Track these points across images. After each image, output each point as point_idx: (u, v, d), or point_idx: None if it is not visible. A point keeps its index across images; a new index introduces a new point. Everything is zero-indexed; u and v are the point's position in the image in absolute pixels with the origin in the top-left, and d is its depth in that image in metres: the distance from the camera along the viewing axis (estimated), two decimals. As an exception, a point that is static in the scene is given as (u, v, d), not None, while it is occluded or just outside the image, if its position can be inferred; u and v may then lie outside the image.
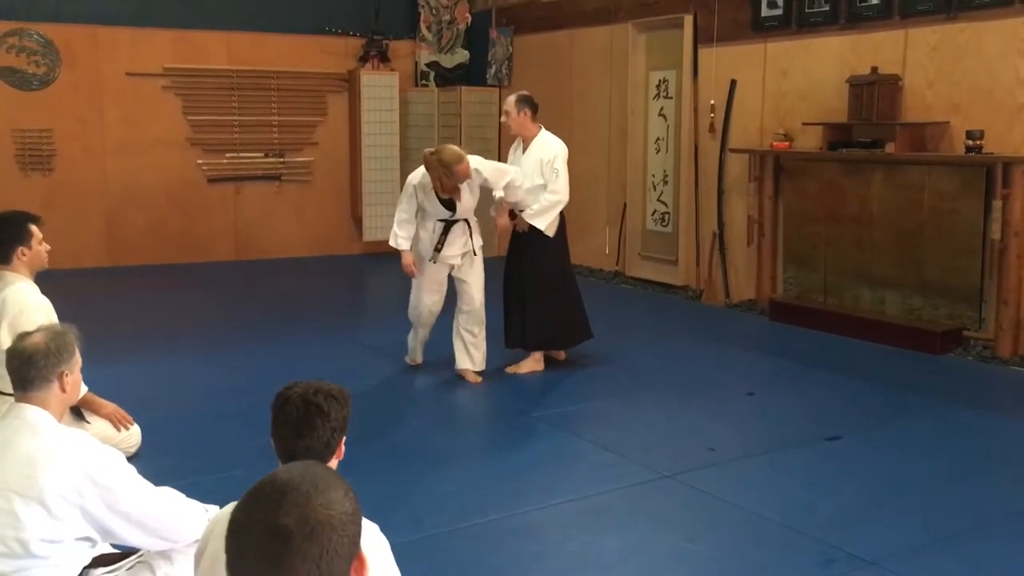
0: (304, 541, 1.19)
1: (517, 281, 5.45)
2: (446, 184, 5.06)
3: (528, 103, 5.39)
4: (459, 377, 5.36)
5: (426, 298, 5.35)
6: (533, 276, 5.39)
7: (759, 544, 3.32)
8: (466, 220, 5.27)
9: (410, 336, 5.59)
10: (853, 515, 3.52)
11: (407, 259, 5.25)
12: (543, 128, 5.43)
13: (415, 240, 5.28)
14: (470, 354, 5.34)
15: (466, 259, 5.31)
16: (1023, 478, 3.96)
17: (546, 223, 5.29)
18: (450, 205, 5.18)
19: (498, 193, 5.25)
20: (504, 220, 5.38)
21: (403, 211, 5.24)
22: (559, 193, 5.28)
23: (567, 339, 5.59)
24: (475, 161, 5.14)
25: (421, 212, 5.25)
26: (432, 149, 5.18)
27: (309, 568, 1.19)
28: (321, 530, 1.20)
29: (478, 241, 5.33)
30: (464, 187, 5.13)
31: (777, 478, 3.93)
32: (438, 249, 5.21)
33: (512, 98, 5.43)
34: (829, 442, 4.33)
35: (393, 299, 8.52)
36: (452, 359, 5.38)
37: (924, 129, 6.06)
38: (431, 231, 5.23)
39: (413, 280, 5.39)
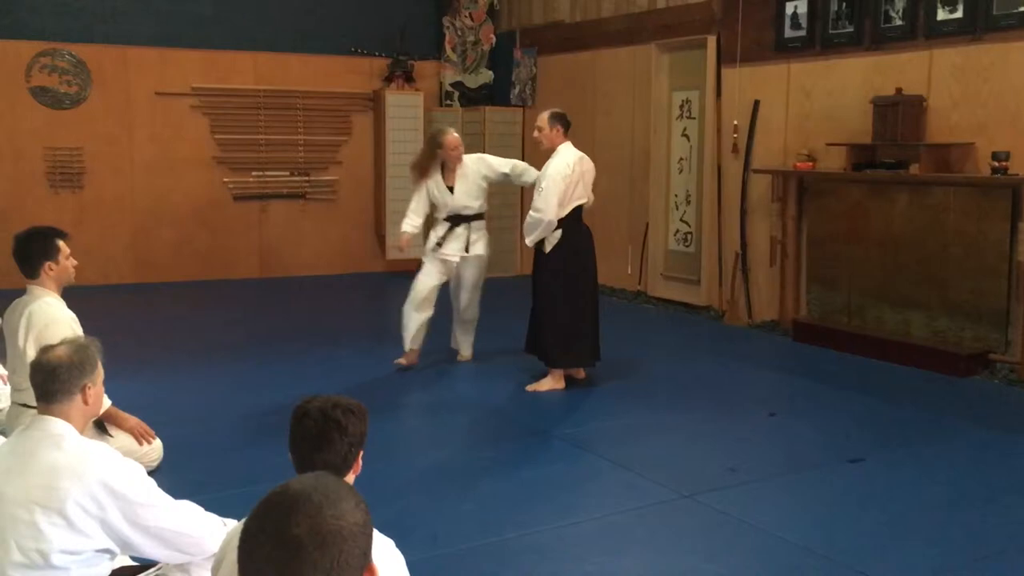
0: (315, 551, 1.19)
1: (533, 294, 5.61)
2: (435, 160, 5.81)
3: (560, 120, 5.45)
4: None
5: (424, 279, 5.86)
6: (538, 292, 5.51)
7: (779, 567, 3.29)
8: (469, 224, 5.81)
9: (404, 330, 5.88)
10: (875, 538, 3.48)
11: (404, 238, 5.95)
12: (564, 144, 5.44)
13: (427, 240, 5.96)
14: (464, 341, 6.11)
15: (464, 261, 5.85)
16: (1049, 503, 3.90)
17: (530, 239, 5.39)
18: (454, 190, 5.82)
19: (504, 170, 5.86)
20: None
21: (413, 202, 5.97)
22: (540, 212, 5.29)
23: (565, 360, 5.51)
24: (486, 156, 5.98)
25: (435, 212, 5.90)
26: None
27: (320, 578, 1.19)
28: (332, 541, 1.20)
29: (476, 247, 5.86)
30: (463, 175, 5.79)
31: (799, 500, 3.89)
32: (439, 244, 5.83)
33: (546, 114, 5.49)
34: (852, 464, 4.29)
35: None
36: (470, 378, 5.52)
37: (949, 150, 6.02)
38: (439, 231, 5.86)
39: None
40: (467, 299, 5.93)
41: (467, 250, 5.85)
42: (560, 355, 5.47)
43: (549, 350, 5.45)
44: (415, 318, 5.83)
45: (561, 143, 5.42)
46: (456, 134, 5.84)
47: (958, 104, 6.02)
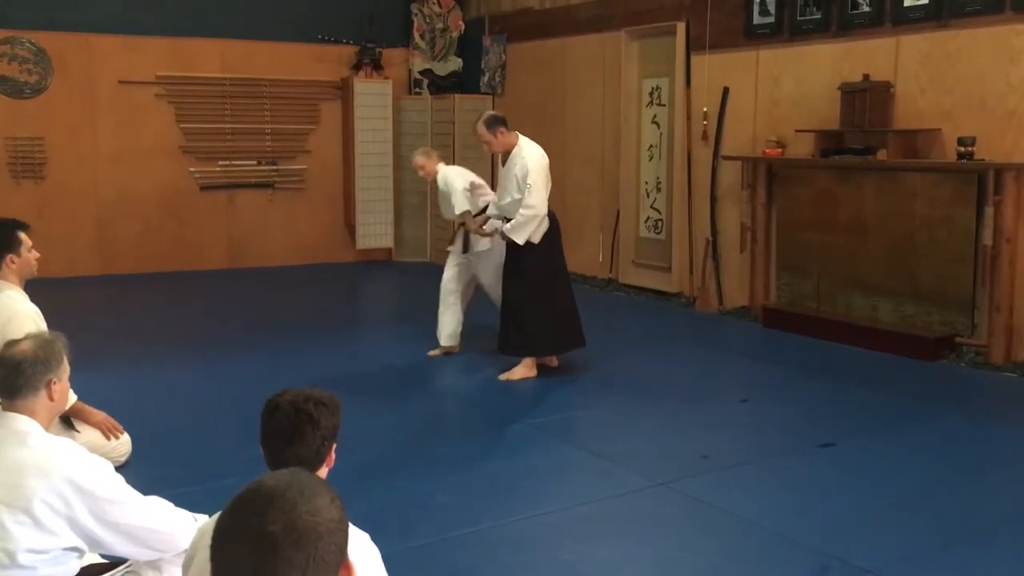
0: (290, 549, 1.18)
1: (506, 288, 5.51)
2: None
3: (498, 122, 5.39)
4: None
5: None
6: (520, 283, 5.42)
7: (753, 552, 3.31)
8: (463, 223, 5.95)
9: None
10: (848, 522, 3.51)
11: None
12: (520, 137, 5.41)
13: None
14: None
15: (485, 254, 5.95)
16: (1018, 484, 3.96)
17: (523, 237, 5.30)
18: None
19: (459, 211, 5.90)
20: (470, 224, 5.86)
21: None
22: (534, 208, 5.26)
23: (553, 346, 5.53)
24: (451, 174, 5.96)
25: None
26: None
27: (296, 576, 1.17)
28: (308, 537, 1.19)
29: (482, 240, 5.86)
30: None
31: (771, 485, 3.91)
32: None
33: (482, 126, 5.38)
34: (823, 449, 4.32)
35: (386, 307, 8.52)
36: (442, 367, 5.51)
37: (916, 136, 6.07)
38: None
39: None
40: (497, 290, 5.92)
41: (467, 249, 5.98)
42: (548, 343, 5.47)
43: (536, 340, 5.42)
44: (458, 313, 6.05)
45: (511, 139, 5.37)
46: (417, 157, 6.14)
47: (925, 90, 6.07)
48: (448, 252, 6.12)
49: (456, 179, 5.89)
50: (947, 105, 5.95)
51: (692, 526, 3.53)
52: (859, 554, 3.22)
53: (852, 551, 3.25)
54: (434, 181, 6.07)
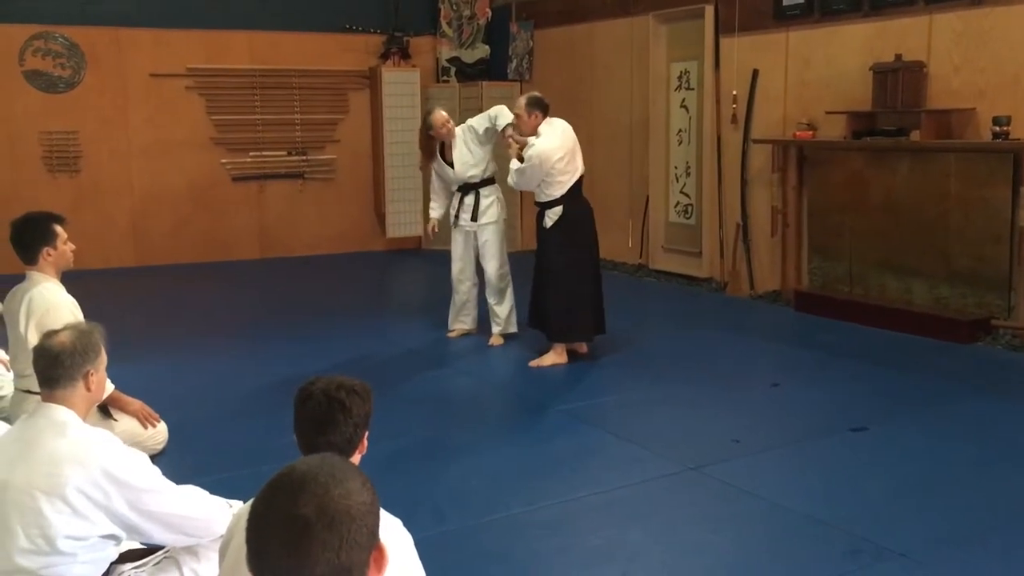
0: (323, 531, 1.20)
1: (535, 272, 5.60)
2: (433, 141, 5.90)
3: (538, 105, 5.38)
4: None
5: (453, 264, 6.07)
6: (538, 264, 5.55)
7: (784, 536, 3.30)
8: (476, 191, 5.90)
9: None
10: (879, 506, 3.49)
11: (430, 224, 6.17)
12: (545, 125, 5.37)
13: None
14: (493, 320, 6.01)
15: (482, 229, 5.94)
16: (1054, 468, 3.91)
17: (513, 179, 5.43)
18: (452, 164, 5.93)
19: (501, 123, 5.70)
20: (509, 141, 5.62)
21: (433, 186, 6.18)
22: (530, 160, 5.25)
23: (563, 332, 5.49)
24: (470, 121, 5.94)
25: (452, 188, 6.03)
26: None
27: (329, 558, 1.19)
28: (340, 520, 1.21)
29: (489, 211, 5.92)
30: (456, 146, 5.88)
31: (803, 469, 3.90)
32: (456, 216, 6.00)
33: (523, 101, 5.44)
34: (855, 433, 4.29)
35: (416, 295, 8.56)
36: (473, 354, 5.54)
37: (950, 116, 5.98)
38: (454, 203, 6.03)
39: None
40: (490, 268, 5.95)
41: (475, 218, 5.93)
42: (562, 329, 5.47)
43: (551, 324, 5.46)
44: (454, 299, 6.11)
45: (537, 128, 5.36)
46: (442, 112, 5.92)
47: (959, 69, 5.98)
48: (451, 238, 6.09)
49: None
50: (981, 84, 5.85)
51: (723, 510, 3.53)
52: (891, 537, 3.21)
53: (884, 534, 3.23)
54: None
